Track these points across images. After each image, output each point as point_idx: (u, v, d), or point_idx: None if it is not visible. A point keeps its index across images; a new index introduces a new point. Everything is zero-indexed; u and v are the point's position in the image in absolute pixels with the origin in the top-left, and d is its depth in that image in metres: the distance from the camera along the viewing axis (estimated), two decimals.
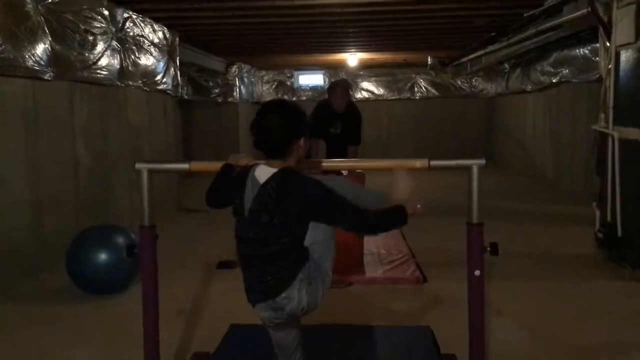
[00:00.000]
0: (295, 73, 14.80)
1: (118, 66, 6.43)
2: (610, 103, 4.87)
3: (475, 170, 2.40)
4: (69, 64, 5.45)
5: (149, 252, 2.55)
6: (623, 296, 4.27)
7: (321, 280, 2.06)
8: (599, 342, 3.47)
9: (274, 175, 2.02)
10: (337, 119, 5.71)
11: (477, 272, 2.42)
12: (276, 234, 2.01)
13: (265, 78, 15.04)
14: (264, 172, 2.06)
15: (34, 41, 4.85)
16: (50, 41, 5.05)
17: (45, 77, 5.07)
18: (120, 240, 4.37)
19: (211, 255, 5.40)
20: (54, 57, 5.13)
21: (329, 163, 2.68)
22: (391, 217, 2.09)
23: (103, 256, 4.29)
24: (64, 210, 5.43)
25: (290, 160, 2.07)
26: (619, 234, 4.70)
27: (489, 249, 2.42)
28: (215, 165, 2.47)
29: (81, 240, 4.46)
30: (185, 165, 2.55)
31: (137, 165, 2.54)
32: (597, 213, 5.10)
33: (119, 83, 6.50)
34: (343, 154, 5.59)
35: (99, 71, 6.01)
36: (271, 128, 2.02)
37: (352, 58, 12.54)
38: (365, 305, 4.14)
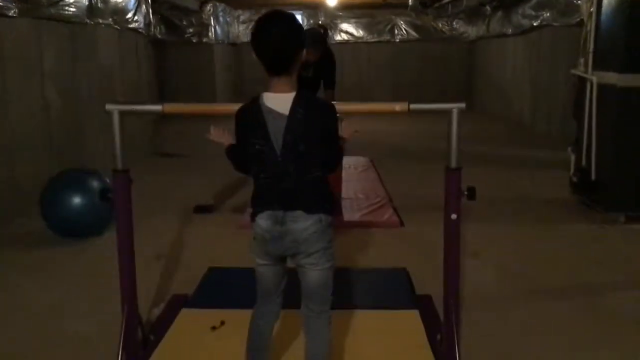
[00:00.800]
0: None
1: (87, 2, 6.15)
2: (591, 47, 4.83)
3: (455, 114, 2.38)
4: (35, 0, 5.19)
5: (123, 196, 2.50)
6: (594, 239, 4.38)
7: (326, 255, 2.03)
8: (570, 284, 3.58)
9: (295, 103, 1.92)
10: (309, 65, 5.53)
11: (453, 216, 2.44)
12: (313, 162, 1.98)
13: (242, 18, 14.60)
14: (279, 101, 1.93)
15: None
16: None
17: (10, 14, 4.83)
18: (94, 183, 4.30)
19: (188, 200, 5.37)
20: None
21: None
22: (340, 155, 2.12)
23: (77, 200, 4.22)
24: (35, 154, 5.30)
25: (294, 74, 1.98)
26: (593, 178, 4.77)
27: (466, 193, 2.43)
28: (190, 108, 2.40)
29: (54, 185, 4.37)
30: (158, 107, 2.47)
31: (108, 107, 2.45)
32: (572, 157, 5.16)
33: (88, 21, 6.24)
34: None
35: (66, 8, 5.74)
36: (279, 41, 1.90)
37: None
38: (343, 248, 4.18)
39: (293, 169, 1.95)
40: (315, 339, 2.16)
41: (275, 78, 1.94)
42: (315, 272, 2.04)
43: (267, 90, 1.96)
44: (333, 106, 2.04)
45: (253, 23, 1.99)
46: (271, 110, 1.93)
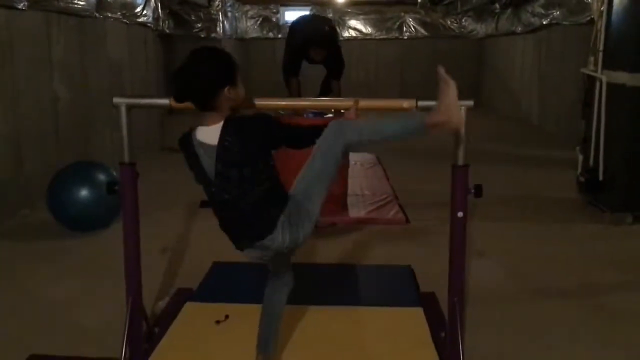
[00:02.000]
0: (282, 9, 14.36)
1: None
2: (601, 46, 4.80)
3: (463, 111, 2.36)
4: None
5: (129, 189, 2.51)
6: (601, 239, 4.36)
7: (303, 222, 2.01)
8: (575, 284, 3.56)
9: (223, 131, 1.93)
10: (316, 63, 5.49)
11: (460, 214, 2.43)
12: (250, 185, 1.96)
13: (250, 13, 14.58)
14: (209, 134, 1.96)
15: None
16: None
17: (20, 7, 4.84)
18: (102, 177, 4.32)
19: (194, 195, 5.35)
20: None
21: (307, 102, 2.61)
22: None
23: (84, 193, 4.24)
24: (44, 146, 5.32)
25: (224, 108, 1.97)
26: (601, 178, 4.74)
27: (472, 190, 2.42)
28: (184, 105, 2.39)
29: (62, 177, 4.39)
30: (165, 101, 2.47)
31: (115, 100, 2.46)
32: (580, 157, 5.12)
33: (97, 14, 6.24)
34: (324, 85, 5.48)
35: (76, 1, 5.75)
36: (188, 82, 1.94)
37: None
38: (348, 245, 4.18)
39: (230, 197, 1.98)
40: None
41: (207, 113, 1.98)
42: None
43: (201, 123, 2.00)
44: (261, 114, 2.01)
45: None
46: (201, 144, 1.98)
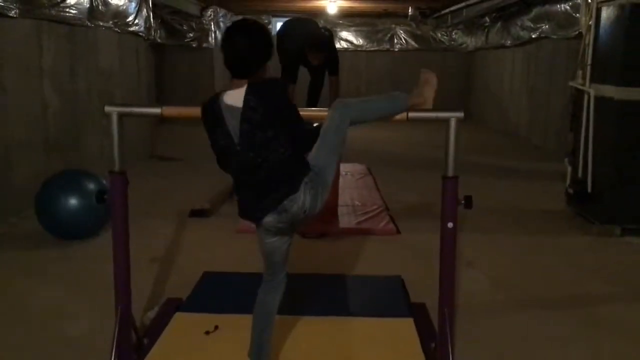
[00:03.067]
0: (273, 19, 14.42)
1: (87, 5, 6.16)
2: (589, 60, 4.87)
3: (453, 122, 2.39)
4: (36, 1, 5.19)
5: (119, 198, 2.50)
6: (590, 251, 4.39)
7: (322, 188, 2.13)
8: (565, 295, 3.59)
9: (248, 93, 2.04)
10: (315, 66, 5.48)
11: (450, 224, 2.44)
12: (274, 146, 2.05)
13: None
14: (235, 96, 2.07)
15: None
16: None
17: (10, 14, 4.83)
18: (91, 185, 4.30)
19: (184, 204, 5.36)
20: None
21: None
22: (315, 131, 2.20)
23: (73, 201, 4.21)
24: (33, 154, 5.29)
25: (253, 79, 2.10)
26: (589, 190, 4.79)
27: (463, 202, 2.44)
28: (189, 111, 2.41)
29: (51, 185, 4.36)
30: (157, 110, 2.47)
31: (107, 109, 2.45)
32: (569, 169, 5.17)
33: (88, 23, 6.24)
34: (321, 82, 5.48)
35: (67, 9, 5.74)
36: (240, 50, 2.07)
37: (332, 5, 12.24)
38: (339, 255, 4.18)
39: (255, 156, 2.05)
40: None
41: (236, 79, 2.09)
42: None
43: (228, 88, 2.11)
44: (280, 82, 2.18)
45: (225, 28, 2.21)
46: (228, 107, 2.07)
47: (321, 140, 2.15)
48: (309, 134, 2.18)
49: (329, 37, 5.56)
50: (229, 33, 2.10)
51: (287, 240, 2.29)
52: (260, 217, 2.14)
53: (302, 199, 2.08)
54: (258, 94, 2.04)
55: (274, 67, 2.30)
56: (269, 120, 2.04)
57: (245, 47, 2.06)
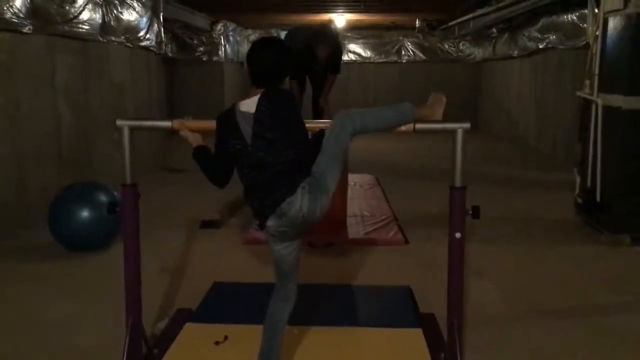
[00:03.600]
0: (283, 33, 14.55)
1: (100, 21, 6.27)
2: (596, 70, 4.87)
3: (460, 133, 2.41)
4: (49, 17, 5.30)
5: (130, 210, 2.54)
6: (599, 260, 4.37)
7: (321, 194, 2.20)
8: (575, 305, 3.57)
9: (261, 99, 2.21)
10: (322, 60, 5.52)
11: (458, 235, 2.46)
12: (283, 148, 2.19)
13: (252, 37, 14.74)
14: (249, 104, 2.23)
15: None
16: None
17: (24, 31, 4.93)
18: (103, 198, 4.35)
19: (195, 215, 5.40)
20: (33, 10, 4.97)
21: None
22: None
23: (85, 214, 4.27)
24: (46, 167, 5.37)
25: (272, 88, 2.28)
26: (598, 199, 4.77)
27: (470, 212, 2.45)
28: (199, 124, 2.45)
29: (63, 198, 4.42)
30: (167, 123, 2.52)
31: (119, 122, 2.51)
32: (578, 179, 5.16)
33: (100, 38, 6.35)
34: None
35: (80, 25, 5.85)
36: (272, 62, 2.26)
37: (340, 19, 12.34)
38: (347, 265, 4.19)
39: (264, 155, 2.18)
40: None
41: (254, 88, 2.26)
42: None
43: (243, 98, 2.29)
44: (290, 92, 2.35)
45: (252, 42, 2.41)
46: (243, 113, 2.23)
47: (323, 148, 2.24)
48: (312, 140, 2.27)
49: (337, 32, 5.69)
50: (259, 46, 2.31)
51: (294, 250, 2.33)
52: (263, 220, 2.22)
53: (299, 202, 2.16)
54: (270, 100, 2.21)
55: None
56: (278, 123, 2.19)
57: (270, 60, 2.25)
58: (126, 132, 2.50)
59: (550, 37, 9.28)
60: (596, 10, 4.93)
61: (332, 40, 5.33)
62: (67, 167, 5.69)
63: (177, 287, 3.77)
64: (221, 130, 2.29)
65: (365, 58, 14.95)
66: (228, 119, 2.26)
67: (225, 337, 2.84)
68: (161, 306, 3.42)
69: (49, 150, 5.46)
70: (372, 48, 14.91)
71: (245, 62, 2.31)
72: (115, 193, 4.29)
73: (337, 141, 2.23)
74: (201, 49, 12.40)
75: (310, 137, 2.34)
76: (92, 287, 3.78)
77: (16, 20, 4.78)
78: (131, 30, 7.20)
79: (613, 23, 4.70)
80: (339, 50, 5.54)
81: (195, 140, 2.37)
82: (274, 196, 2.18)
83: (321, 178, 2.21)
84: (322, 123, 2.45)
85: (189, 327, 3.00)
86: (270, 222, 2.21)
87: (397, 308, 3.34)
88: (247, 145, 2.20)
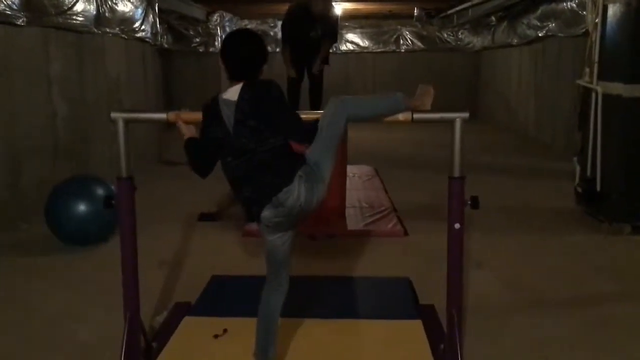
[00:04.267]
0: (278, 23, 14.46)
1: (94, 12, 6.21)
2: (596, 58, 4.84)
3: (458, 123, 2.38)
4: (43, 9, 5.24)
5: (126, 204, 2.51)
6: (599, 250, 4.36)
7: (317, 183, 2.18)
8: (575, 294, 3.56)
9: (243, 88, 2.20)
10: (316, 22, 5.47)
11: (457, 225, 2.44)
12: (265, 136, 2.17)
13: (248, 27, 14.69)
14: (231, 93, 2.22)
15: None
16: None
17: (18, 23, 4.88)
18: (99, 191, 4.32)
19: (193, 208, 5.38)
20: (26, 2, 4.92)
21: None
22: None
23: (81, 207, 4.24)
24: (41, 161, 5.33)
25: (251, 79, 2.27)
26: (598, 188, 4.75)
27: (469, 202, 2.43)
28: (194, 116, 2.42)
29: (59, 191, 4.39)
30: (162, 115, 2.48)
31: (113, 115, 2.48)
32: (577, 168, 5.14)
33: (95, 30, 6.29)
34: (320, 84, 5.55)
35: (74, 17, 5.80)
36: (247, 55, 2.25)
37: (337, 8, 12.24)
38: (347, 257, 4.17)
39: (247, 142, 2.17)
40: None
41: (234, 82, 2.24)
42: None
43: (225, 89, 2.27)
44: (274, 82, 2.27)
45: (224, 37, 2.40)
46: (225, 101, 2.23)
47: (317, 135, 2.23)
48: (306, 127, 2.25)
49: None
50: (231, 40, 2.29)
51: (287, 239, 2.32)
52: (258, 211, 2.19)
53: (297, 192, 2.14)
54: (252, 88, 2.21)
55: (276, 74, 2.38)
56: (260, 111, 2.18)
57: (246, 52, 2.24)
58: (121, 125, 2.46)
59: (550, 25, 9.22)
60: None
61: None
62: (64, 160, 5.66)
63: (175, 281, 3.75)
64: (205, 117, 2.29)
65: (364, 48, 14.87)
66: (211, 107, 2.26)
67: (225, 330, 2.83)
68: (160, 299, 3.41)
69: (45, 143, 5.43)
70: (370, 38, 14.82)
71: (219, 58, 2.29)
72: (112, 186, 4.27)
73: (331, 128, 2.22)
74: (197, 40, 12.32)
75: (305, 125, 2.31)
76: (90, 280, 3.77)
77: (9, 12, 4.73)
78: (126, 21, 7.14)
79: (612, 10, 4.65)
80: (334, 17, 5.58)
81: (188, 131, 2.35)
82: (267, 187, 2.16)
83: (316, 167, 2.20)
84: (316, 114, 2.41)
85: (187, 320, 2.99)
86: (266, 212, 2.19)
87: (396, 299, 3.33)
88: (229, 133, 2.20)
